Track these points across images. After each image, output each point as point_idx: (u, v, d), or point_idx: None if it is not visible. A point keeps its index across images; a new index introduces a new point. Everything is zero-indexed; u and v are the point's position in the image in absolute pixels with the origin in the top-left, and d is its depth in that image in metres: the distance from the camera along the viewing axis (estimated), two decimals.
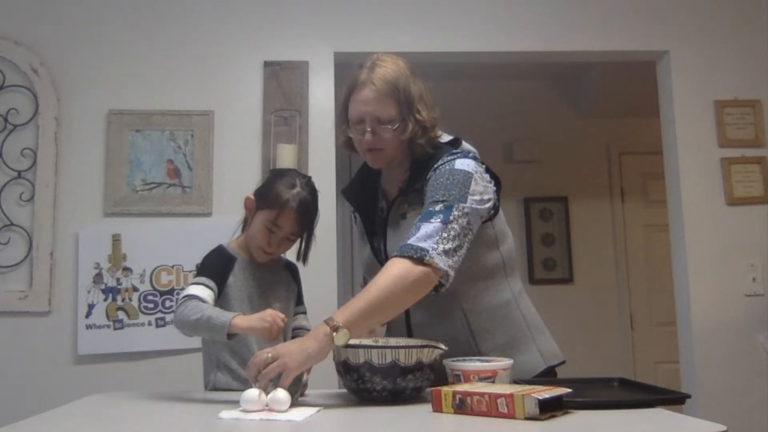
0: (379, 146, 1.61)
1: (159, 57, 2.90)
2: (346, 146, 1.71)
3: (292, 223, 1.64)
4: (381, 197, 1.75)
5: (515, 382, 1.42)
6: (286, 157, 2.77)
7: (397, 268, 1.43)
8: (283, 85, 2.89)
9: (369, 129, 1.59)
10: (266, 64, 2.91)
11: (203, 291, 1.57)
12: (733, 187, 2.93)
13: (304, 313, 1.85)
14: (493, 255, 1.65)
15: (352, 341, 1.38)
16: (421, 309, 1.57)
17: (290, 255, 1.77)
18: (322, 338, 1.35)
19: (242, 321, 1.45)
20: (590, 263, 4.36)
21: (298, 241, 1.71)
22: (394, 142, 1.61)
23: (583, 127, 4.45)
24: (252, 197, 1.71)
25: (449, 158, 1.58)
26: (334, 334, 1.35)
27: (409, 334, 1.66)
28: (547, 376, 1.64)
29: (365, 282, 1.75)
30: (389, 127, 1.59)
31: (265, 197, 1.67)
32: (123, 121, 2.84)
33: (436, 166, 1.58)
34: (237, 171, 2.80)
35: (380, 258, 1.67)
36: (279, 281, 1.77)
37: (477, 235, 1.55)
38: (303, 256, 1.72)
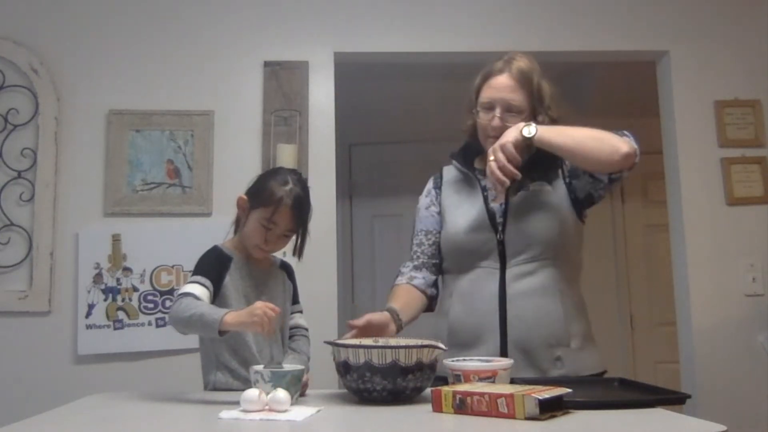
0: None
1: (159, 57, 2.90)
2: (469, 132, 1.77)
3: (287, 219, 1.65)
4: (476, 176, 1.79)
5: (514, 381, 1.42)
6: (286, 157, 2.77)
7: (609, 133, 1.62)
8: (283, 85, 2.89)
9: (498, 115, 1.65)
10: (266, 64, 2.91)
11: (198, 289, 1.57)
12: (733, 187, 2.93)
13: (301, 311, 1.86)
14: (581, 252, 1.80)
15: (352, 341, 1.39)
16: (521, 279, 1.64)
17: (286, 250, 1.77)
18: (519, 128, 1.56)
19: (233, 317, 1.44)
20: (590, 263, 4.32)
21: (293, 237, 1.71)
22: None
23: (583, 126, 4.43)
24: (245, 197, 1.71)
25: None
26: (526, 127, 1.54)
27: (502, 303, 1.66)
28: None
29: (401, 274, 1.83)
30: (518, 116, 1.65)
31: (258, 196, 1.67)
32: (123, 121, 2.83)
33: None
34: (237, 171, 2.79)
35: (495, 222, 1.71)
36: (275, 280, 1.77)
37: (578, 229, 1.73)
38: (298, 251, 1.71)
